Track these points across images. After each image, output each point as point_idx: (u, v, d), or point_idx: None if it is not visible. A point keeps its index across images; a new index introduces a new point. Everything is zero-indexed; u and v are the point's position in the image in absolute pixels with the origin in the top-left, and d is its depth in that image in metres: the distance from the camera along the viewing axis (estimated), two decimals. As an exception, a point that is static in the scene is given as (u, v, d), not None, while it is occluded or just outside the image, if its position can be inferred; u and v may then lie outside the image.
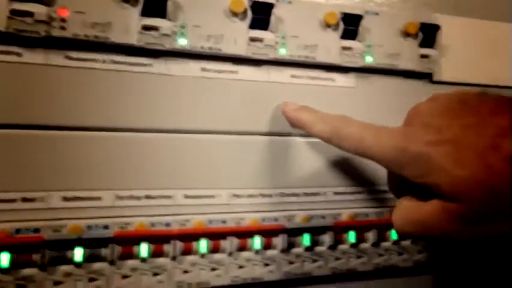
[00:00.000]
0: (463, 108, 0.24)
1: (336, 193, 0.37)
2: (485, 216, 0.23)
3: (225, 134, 0.34)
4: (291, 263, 0.35)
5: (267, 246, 0.35)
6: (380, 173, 0.37)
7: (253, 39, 0.34)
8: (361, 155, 0.28)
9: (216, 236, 0.33)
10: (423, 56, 0.39)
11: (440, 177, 0.23)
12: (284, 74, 0.36)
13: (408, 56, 0.39)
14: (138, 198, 0.32)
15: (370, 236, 0.38)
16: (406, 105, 0.39)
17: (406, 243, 0.39)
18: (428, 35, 0.39)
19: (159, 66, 0.33)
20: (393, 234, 0.38)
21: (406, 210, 0.26)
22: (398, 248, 0.39)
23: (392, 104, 0.38)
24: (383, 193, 0.39)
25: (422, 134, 0.25)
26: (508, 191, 0.21)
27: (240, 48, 0.34)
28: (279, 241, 0.35)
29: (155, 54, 0.32)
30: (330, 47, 0.36)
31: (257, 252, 0.34)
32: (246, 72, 0.35)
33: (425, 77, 0.40)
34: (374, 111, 0.38)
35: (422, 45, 0.39)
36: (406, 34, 0.38)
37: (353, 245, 0.37)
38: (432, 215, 0.24)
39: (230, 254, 0.34)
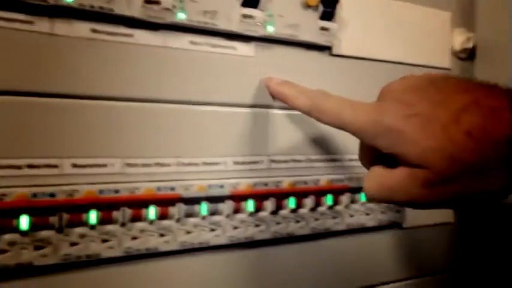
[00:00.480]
0: (431, 87, 0.27)
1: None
2: (447, 181, 0.25)
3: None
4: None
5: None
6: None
7: (148, 1, 0.32)
8: (337, 127, 0.30)
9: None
10: (323, 29, 0.40)
11: (410, 146, 0.26)
12: (182, 40, 0.35)
13: (308, 27, 0.39)
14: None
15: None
16: (305, 77, 0.41)
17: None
18: (328, 8, 0.40)
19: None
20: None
21: (376, 177, 0.29)
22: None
23: (291, 74, 0.39)
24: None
25: (394, 108, 0.27)
26: (466, 159, 0.25)
27: (135, 11, 0.32)
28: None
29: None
30: (230, 14, 0.36)
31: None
32: (141, 36, 0.33)
33: (325, 49, 0.41)
34: (274, 82, 0.39)
35: (322, 18, 0.40)
36: (307, 6, 0.39)
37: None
38: (400, 180, 0.27)
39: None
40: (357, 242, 0.43)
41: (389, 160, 0.28)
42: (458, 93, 0.26)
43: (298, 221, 0.39)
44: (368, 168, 0.30)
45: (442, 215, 0.49)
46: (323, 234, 0.40)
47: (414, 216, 0.46)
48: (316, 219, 0.39)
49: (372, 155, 0.30)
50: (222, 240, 0.35)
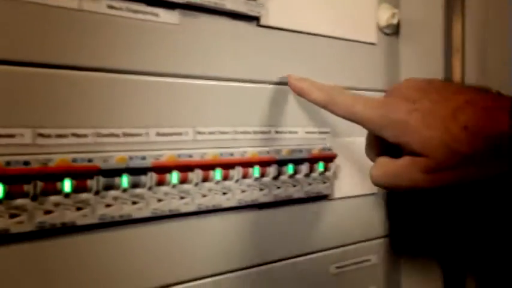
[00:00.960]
0: (431, 88, 0.32)
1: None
2: (444, 168, 0.30)
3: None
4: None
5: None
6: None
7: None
8: (349, 119, 0.35)
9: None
10: (251, -1, 0.39)
11: (413, 137, 0.31)
12: (99, 4, 0.33)
13: (235, -4, 0.38)
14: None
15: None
16: (232, 48, 0.40)
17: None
18: (255, -23, 0.39)
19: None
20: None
21: (382, 165, 0.34)
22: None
23: (218, 45, 0.38)
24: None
25: (399, 103, 0.32)
26: (462, 150, 0.29)
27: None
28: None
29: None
30: (152, -22, 0.34)
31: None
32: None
33: (253, 20, 0.41)
34: (199, 51, 0.37)
35: (250, -13, 0.39)
36: (234, -26, 0.38)
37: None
38: (404, 167, 0.32)
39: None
40: (284, 213, 0.44)
41: (394, 152, 0.33)
42: (455, 94, 0.31)
43: (224, 193, 0.38)
44: (374, 160, 0.35)
45: (367, 187, 0.51)
46: (250, 206, 0.41)
47: (340, 188, 0.47)
48: (243, 191, 0.39)
49: (378, 147, 0.36)
50: (145, 213, 0.35)
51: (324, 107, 0.38)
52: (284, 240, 0.44)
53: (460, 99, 0.30)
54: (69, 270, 0.32)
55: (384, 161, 0.34)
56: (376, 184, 0.35)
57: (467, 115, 0.29)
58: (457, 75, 0.48)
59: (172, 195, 0.35)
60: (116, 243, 0.34)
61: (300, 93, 0.40)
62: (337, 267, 0.48)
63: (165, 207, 0.35)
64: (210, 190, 0.37)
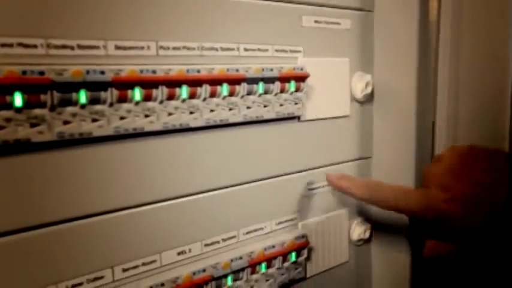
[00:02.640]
0: (464, 168, 0.37)
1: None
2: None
3: None
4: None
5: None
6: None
7: None
8: (393, 210, 0.40)
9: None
10: None
11: (454, 224, 0.36)
12: None
13: None
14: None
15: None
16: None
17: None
18: None
19: None
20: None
21: (433, 247, 0.40)
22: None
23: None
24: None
25: (437, 194, 0.37)
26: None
27: None
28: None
29: None
30: None
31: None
32: None
33: None
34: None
35: None
36: None
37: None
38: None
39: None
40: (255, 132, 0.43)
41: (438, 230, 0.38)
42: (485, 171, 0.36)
43: (192, 112, 0.37)
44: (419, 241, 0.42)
45: (340, 110, 0.50)
46: (219, 125, 0.39)
47: (313, 110, 0.46)
48: (212, 111, 0.38)
49: (422, 228, 0.41)
50: (108, 132, 0.33)
51: (367, 202, 0.43)
52: (254, 162, 0.43)
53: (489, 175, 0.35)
54: (83, 178, 0.33)
55: (433, 243, 0.40)
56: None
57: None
58: None
59: (135, 112, 0.34)
60: (130, 154, 0.35)
61: (343, 191, 0.44)
62: (310, 189, 0.48)
63: (129, 125, 0.34)
64: (176, 108, 0.36)
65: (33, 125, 0.29)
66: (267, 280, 0.43)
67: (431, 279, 0.50)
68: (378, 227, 0.54)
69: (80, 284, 0.33)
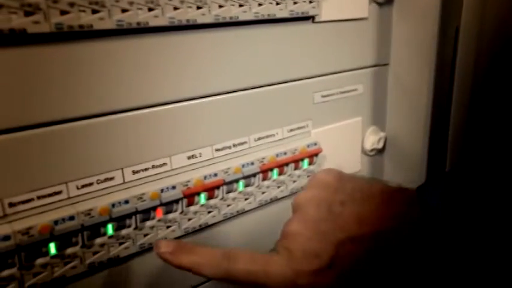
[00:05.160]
0: (331, 224, 0.29)
1: None
2: None
3: None
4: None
5: None
6: None
7: None
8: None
9: None
10: None
11: None
12: None
13: None
14: None
15: None
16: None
17: None
18: None
19: None
20: None
21: None
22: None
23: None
24: None
25: (306, 264, 0.28)
26: None
27: None
28: None
29: None
30: None
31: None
32: None
33: None
34: None
35: None
36: None
37: None
38: None
39: None
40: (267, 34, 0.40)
41: None
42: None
43: (199, 7, 0.34)
44: None
45: (359, 10, 0.47)
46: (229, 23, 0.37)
47: (329, 9, 0.43)
48: (220, 6, 0.35)
49: None
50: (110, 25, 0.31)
51: (225, 282, 0.30)
52: (266, 65, 0.41)
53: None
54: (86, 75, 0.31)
55: None
56: None
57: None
58: None
59: (138, 5, 0.31)
60: (136, 51, 0.33)
61: (185, 270, 0.30)
62: (323, 96, 0.46)
63: (132, 19, 0.31)
64: (182, 2, 0.33)
65: (27, 14, 0.27)
66: (279, 187, 0.43)
67: None
68: (392, 138, 0.53)
69: (90, 184, 0.33)
